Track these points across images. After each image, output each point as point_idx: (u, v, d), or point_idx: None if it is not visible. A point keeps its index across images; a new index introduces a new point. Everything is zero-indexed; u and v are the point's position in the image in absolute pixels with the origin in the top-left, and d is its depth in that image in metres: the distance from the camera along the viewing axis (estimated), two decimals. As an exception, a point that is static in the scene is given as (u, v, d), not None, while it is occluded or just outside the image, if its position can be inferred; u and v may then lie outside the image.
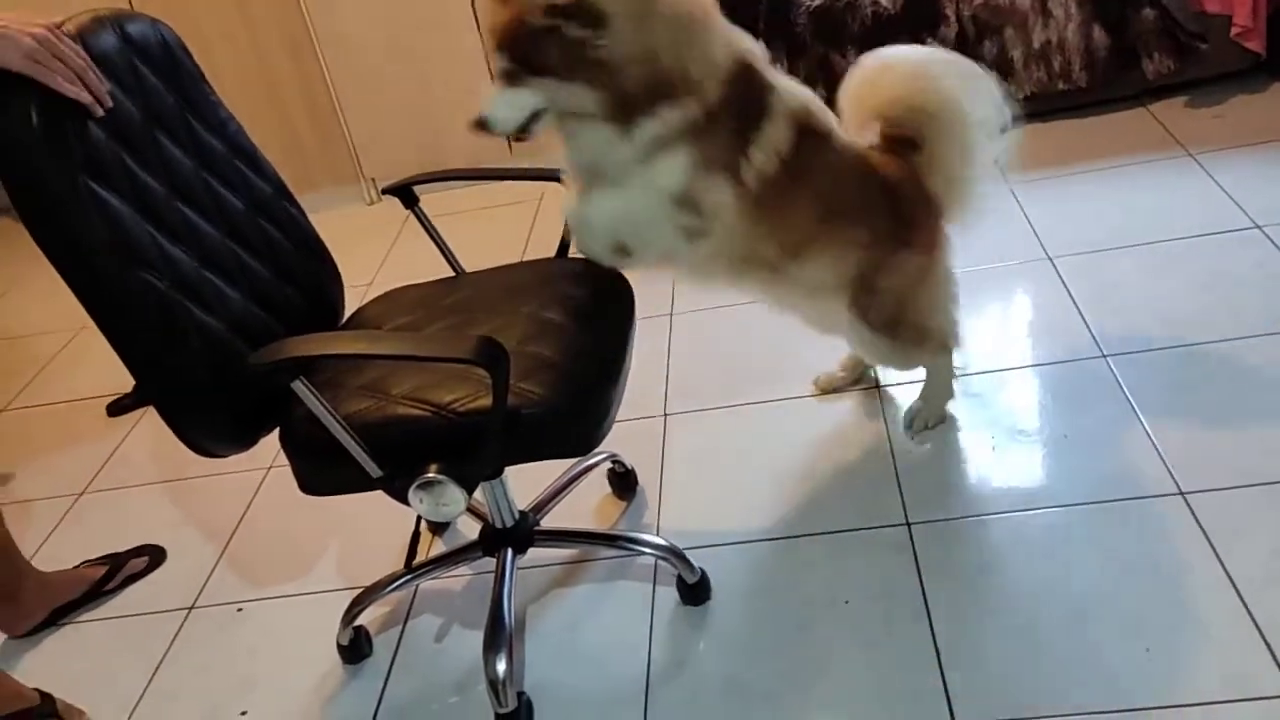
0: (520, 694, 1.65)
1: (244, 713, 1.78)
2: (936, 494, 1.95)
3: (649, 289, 2.75)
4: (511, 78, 1.48)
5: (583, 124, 1.51)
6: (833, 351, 2.30)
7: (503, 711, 1.60)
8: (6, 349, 3.09)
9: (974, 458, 2.02)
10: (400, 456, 1.38)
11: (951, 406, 2.14)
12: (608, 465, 2.07)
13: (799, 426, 2.20)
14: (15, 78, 1.21)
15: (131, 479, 2.42)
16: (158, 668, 1.91)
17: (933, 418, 2.10)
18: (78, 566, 2.13)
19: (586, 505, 2.08)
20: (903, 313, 1.90)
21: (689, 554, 1.79)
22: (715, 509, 2.02)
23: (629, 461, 2.09)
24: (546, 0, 1.39)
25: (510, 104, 1.49)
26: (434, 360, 1.43)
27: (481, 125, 1.50)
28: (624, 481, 2.09)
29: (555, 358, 1.47)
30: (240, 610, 2.02)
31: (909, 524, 1.88)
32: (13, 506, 2.44)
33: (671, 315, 2.68)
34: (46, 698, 1.79)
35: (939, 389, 2.11)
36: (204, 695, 1.84)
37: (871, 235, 1.81)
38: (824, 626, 1.72)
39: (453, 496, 1.36)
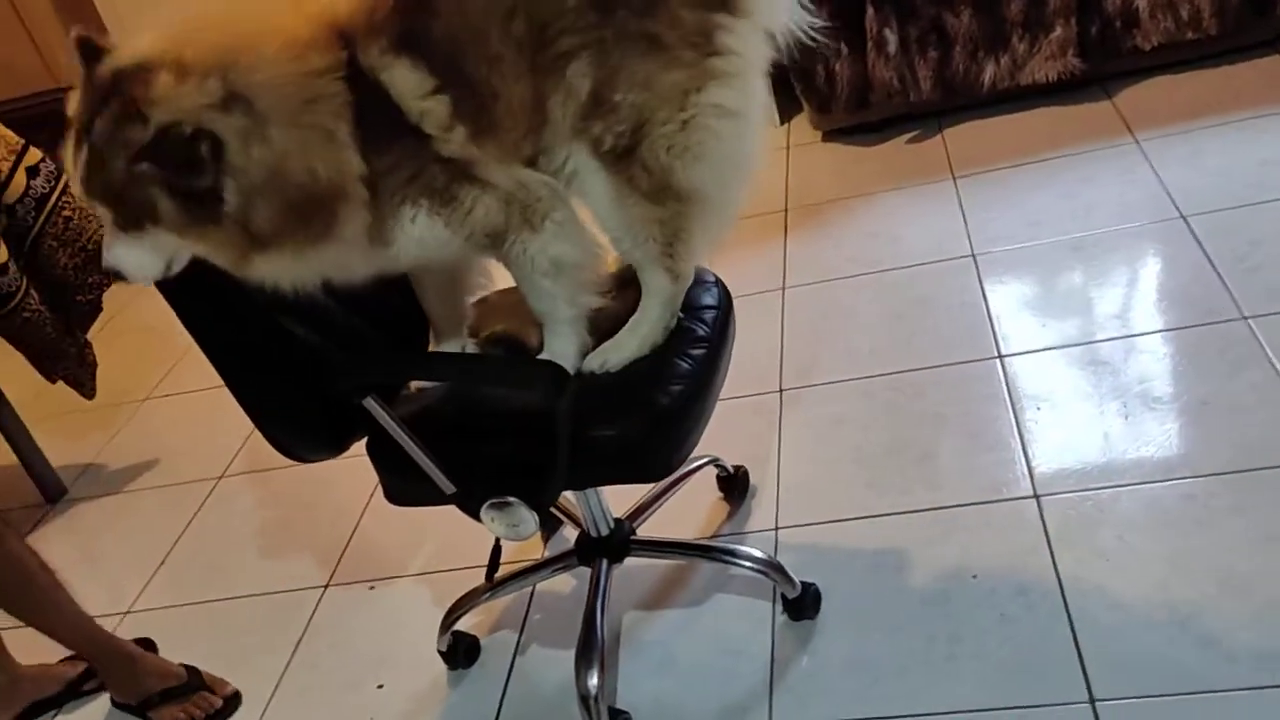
0: (617, 712, 1.63)
1: (380, 686, 1.85)
2: (1066, 465, 1.88)
3: (757, 264, 2.74)
4: (123, 226, 1.21)
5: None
6: (955, 322, 2.24)
7: None
8: (146, 339, 3.25)
9: (1105, 427, 1.94)
10: (472, 475, 1.40)
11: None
12: (711, 469, 2.03)
13: (919, 399, 2.15)
14: None
15: (266, 463, 2.54)
16: (299, 643, 2.00)
17: (616, 355, 1.47)
18: (59, 663, 2.02)
19: (694, 506, 2.03)
20: (638, 142, 1.34)
21: (805, 531, 1.77)
22: (835, 486, 1.99)
23: (735, 460, 2.05)
24: (132, 143, 1.14)
25: (136, 256, 1.23)
26: (498, 384, 1.42)
27: (116, 275, 1.25)
28: (731, 484, 2.03)
29: (635, 382, 1.44)
30: (372, 589, 2.09)
31: (1037, 496, 1.83)
32: (162, 490, 2.59)
33: (784, 289, 2.64)
34: (193, 671, 1.90)
35: (641, 323, 1.49)
36: (342, 669, 1.91)
37: (584, 32, 1.29)
38: (953, 601, 1.68)
39: (523, 518, 1.37)
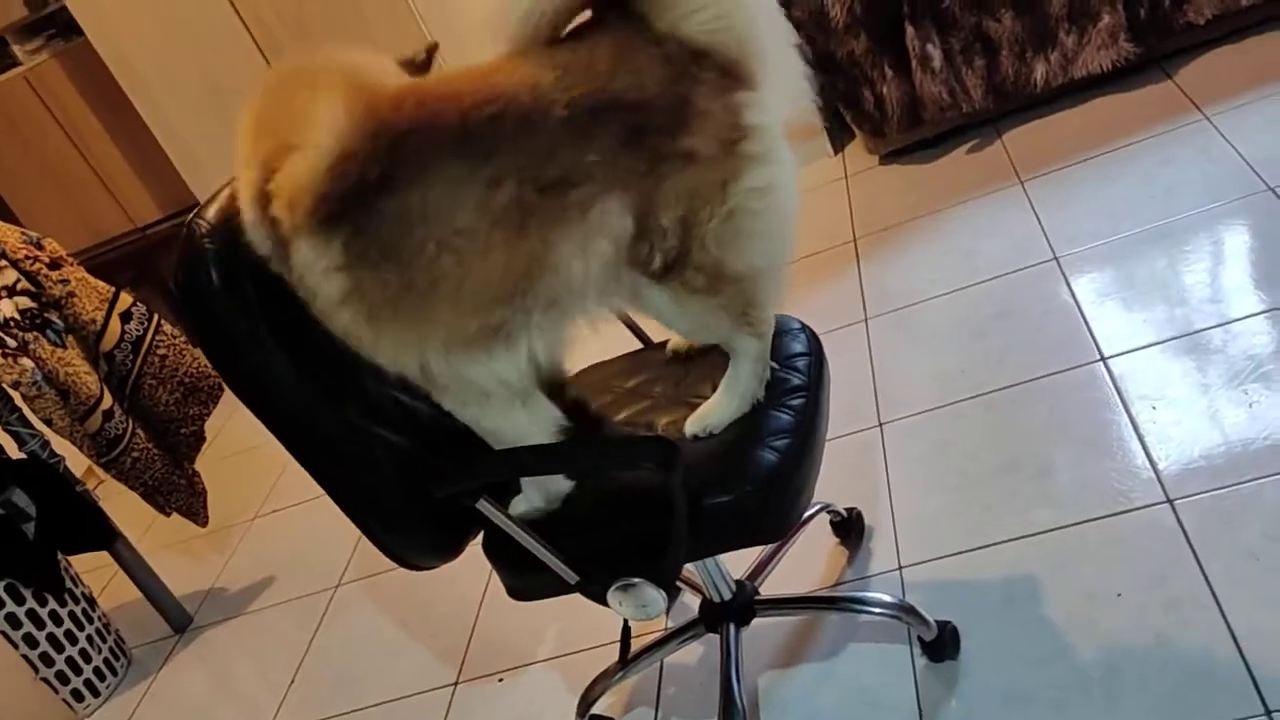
0: None
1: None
2: (1195, 464, 1.80)
3: (835, 299, 2.71)
4: None
5: None
6: (1048, 330, 2.18)
7: None
8: (248, 459, 3.33)
9: (1229, 418, 1.86)
10: (593, 561, 1.39)
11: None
12: (823, 517, 1.99)
13: (1023, 414, 2.09)
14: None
15: (378, 566, 2.56)
16: (435, 748, 2.00)
17: (716, 417, 1.46)
18: None
19: (812, 556, 2.00)
20: (688, 248, 1.32)
21: (930, 567, 1.71)
22: (952, 516, 1.94)
23: (846, 503, 2.01)
24: None
25: None
26: (607, 468, 1.41)
27: None
28: (847, 528, 1.99)
29: (741, 444, 1.42)
30: (501, 680, 2.08)
31: (1170, 501, 1.75)
32: (283, 606, 2.62)
33: (866, 320, 2.61)
34: None
35: (737, 381, 1.47)
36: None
37: (614, 173, 1.27)
38: (1099, 625, 1.62)
39: (650, 597, 1.35)
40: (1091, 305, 2.28)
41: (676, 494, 1.28)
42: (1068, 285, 2.37)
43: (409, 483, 1.40)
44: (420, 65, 1.43)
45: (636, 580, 1.35)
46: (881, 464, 2.13)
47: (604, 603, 1.40)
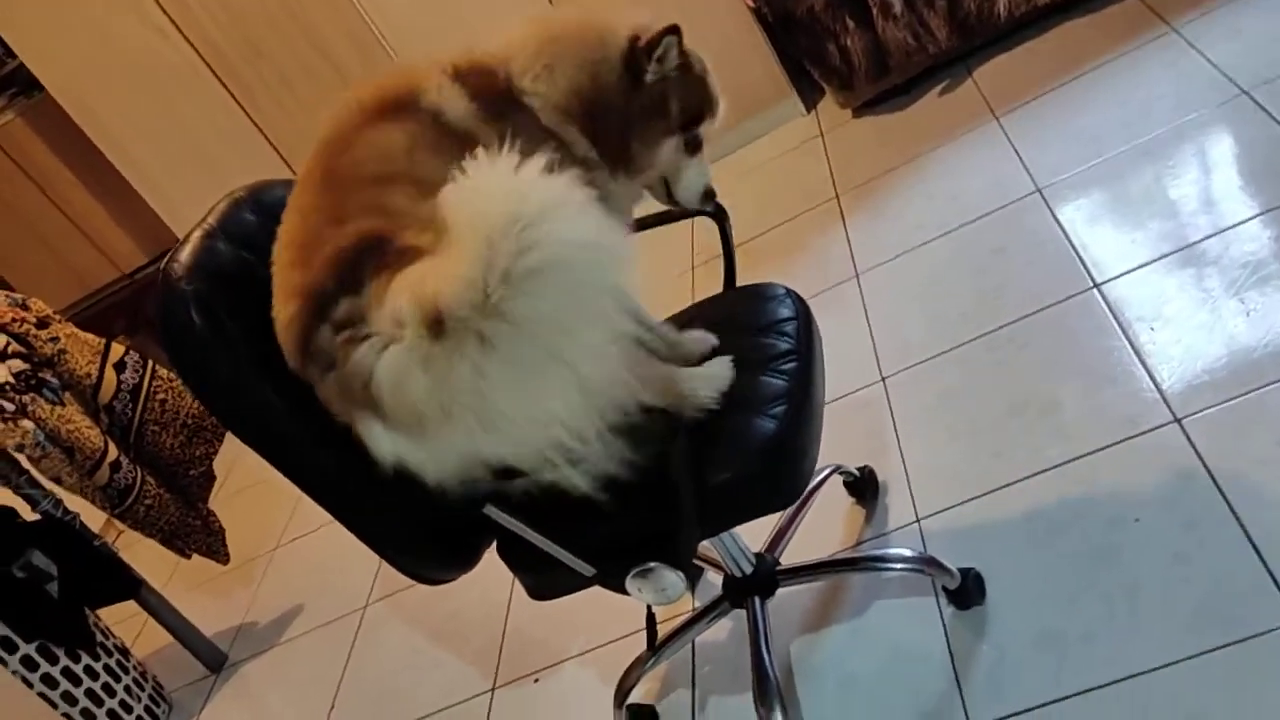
0: None
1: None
2: (1199, 379, 1.79)
3: (824, 259, 2.69)
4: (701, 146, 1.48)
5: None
6: (1040, 263, 2.16)
7: None
8: (261, 492, 3.33)
9: (1229, 329, 1.85)
10: (607, 552, 1.38)
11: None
12: (836, 478, 1.99)
13: (1024, 351, 2.08)
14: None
15: (403, 582, 2.56)
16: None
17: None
18: None
19: (829, 519, 1.99)
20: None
21: (947, 516, 1.71)
22: (965, 462, 1.93)
23: (857, 462, 2.00)
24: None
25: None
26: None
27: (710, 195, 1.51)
28: (861, 487, 1.99)
29: (737, 415, 1.40)
30: (537, 681, 2.09)
31: (1178, 420, 1.75)
32: (314, 633, 2.63)
33: (857, 276, 2.59)
34: None
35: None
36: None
37: None
38: (1121, 552, 1.61)
39: (669, 581, 1.35)
40: (1080, 233, 2.26)
41: (679, 471, 1.27)
42: (1054, 216, 2.35)
43: (412, 498, 1.40)
44: None
45: (652, 565, 1.35)
46: (888, 419, 2.13)
47: (624, 592, 1.40)
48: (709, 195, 1.50)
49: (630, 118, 1.40)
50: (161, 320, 1.34)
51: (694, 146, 1.46)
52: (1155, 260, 2.07)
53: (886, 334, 2.35)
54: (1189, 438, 1.71)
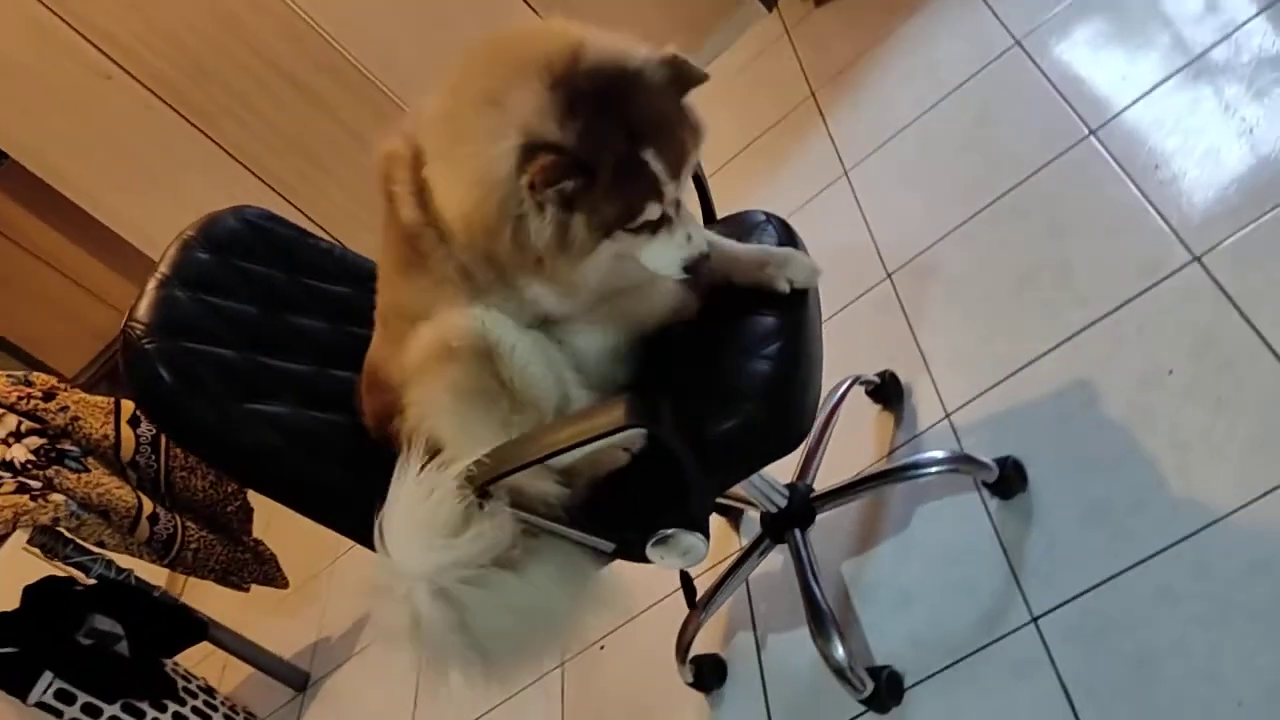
0: (878, 670, 1.56)
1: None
2: (1213, 211, 1.70)
3: (809, 162, 2.61)
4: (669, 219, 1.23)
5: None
6: (1030, 119, 2.07)
7: (863, 696, 1.53)
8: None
9: (1235, 152, 1.75)
10: (623, 526, 1.34)
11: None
12: (857, 389, 1.92)
13: (1029, 218, 1.99)
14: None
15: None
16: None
17: None
18: None
19: (858, 432, 1.93)
20: None
21: (976, 406, 1.65)
22: (985, 347, 1.87)
23: (877, 368, 1.94)
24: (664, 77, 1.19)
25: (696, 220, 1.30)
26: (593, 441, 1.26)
27: (705, 259, 1.26)
28: (884, 393, 1.92)
29: (729, 361, 1.36)
30: (603, 648, 2.08)
31: (1198, 258, 1.66)
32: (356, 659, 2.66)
33: (846, 173, 2.50)
34: None
35: None
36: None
37: None
38: (1159, 409, 1.55)
39: (689, 543, 1.30)
40: (1067, 81, 2.15)
41: (670, 440, 1.22)
42: (1037, 67, 2.24)
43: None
44: None
45: (670, 531, 1.31)
46: (901, 316, 2.06)
47: (647, 561, 1.37)
48: (691, 269, 1.26)
49: (534, 243, 1.20)
50: (131, 383, 1.31)
51: (651, 228, 1.23)
52: (1145, 95, 1.96)
53: (885, 228, 2.27)
54: (1211, 274, 1.62)
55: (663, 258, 1.24)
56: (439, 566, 1.22)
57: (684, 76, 1.20)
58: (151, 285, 1.39)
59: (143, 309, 1.36)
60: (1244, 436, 1.44)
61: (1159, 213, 1.77)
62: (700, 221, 1.30)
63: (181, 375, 1.31)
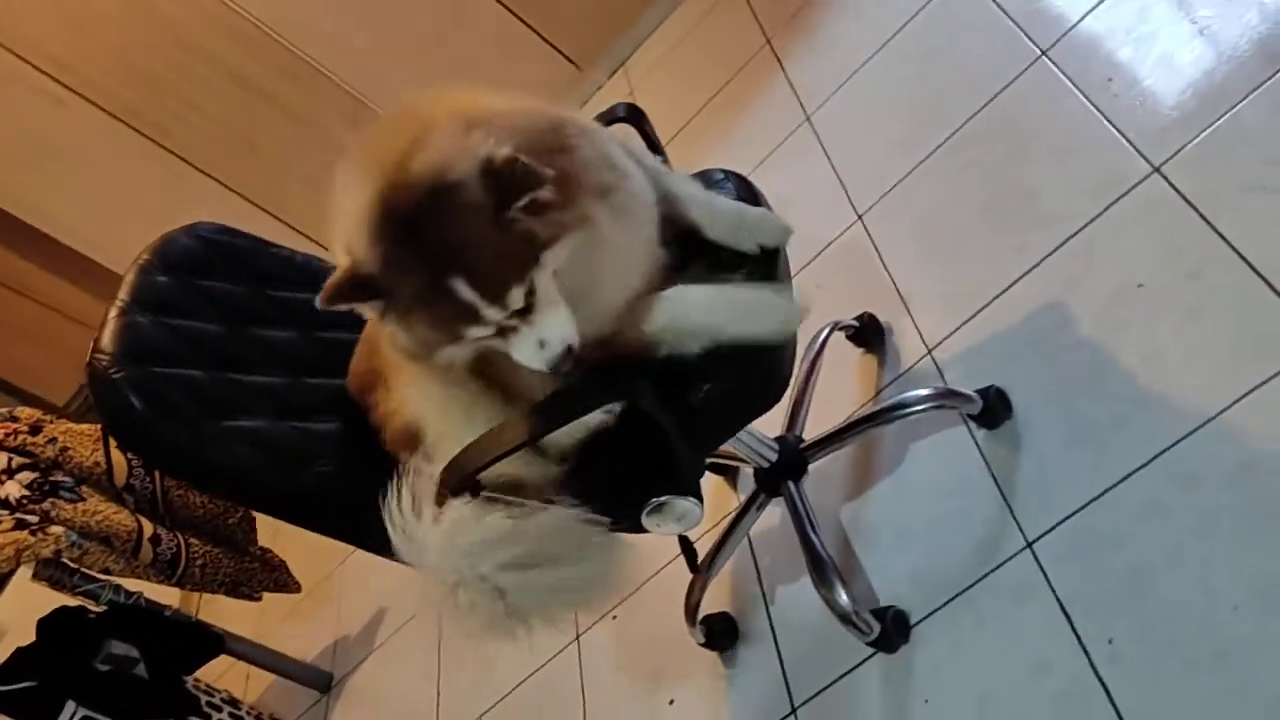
0: (883, 611, 1.57)
1: (671, 701, 1.85)
2: (1168, 120, 1.69)
3: (770, 111, 2.59)
4: (528, 298, 1.12)
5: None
6: (981, 48, 2.05)
7: (871, 638, 1.55)
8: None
9: (1187, 56, 1.74)
10: (615, 500, 1.34)
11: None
12: (838, 335, 1.92)
13: (989, 145, 1.98)
14: None
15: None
16: (584, 701, 2.03)
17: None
18: None
19: (842, 377, 1.93)
20: None
21: (957, 338, 1.66)
22: (959, 278, 1.86)
23: (855, 311, 1.93)
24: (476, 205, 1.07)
25: (559, 313, 1.14)
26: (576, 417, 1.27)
27: (569, 355, 1.14)
28: (865, 335, 1.92)
29: None
30: (615, 618, 2.09)
31: (1157, 169, 1.66)
32: (405, 628, 2.67)
33: (809, 118, 2.48)
34: None
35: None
36: (631, 703, 1.93)
37: None
38: (1132, 323, 1.55)
39: (683, 509, 1.30)
40: (1015, 2, 2.12)
41: (655, 411, 1.22)
42: (984, -8, 2.22)
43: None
44: None
45: (663, 499, 1.31)
46: (875, 256, 2.05)
47: (643, 530, 1.37)
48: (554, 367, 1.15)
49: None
50: (102, 413, 1.31)
51: (495, 336, 1.15)
52: (1098, 5, 1.95)
53: (851, 170, 2.26)
54: (1172, 184, 1.62)
55: (523, 358, 1.15)
56: (471, 566, 1.24)
57: (510, 186, 1.07)
58: (112, 314, 1.39)
59: (106, 339, 1.35)
60: (1218, 342, 1.44)
61: (1115, 127, 1.76)
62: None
63: (151, 401, 1.30)
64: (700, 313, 1.27)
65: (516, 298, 1.10)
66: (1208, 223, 1.53)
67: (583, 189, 1.15)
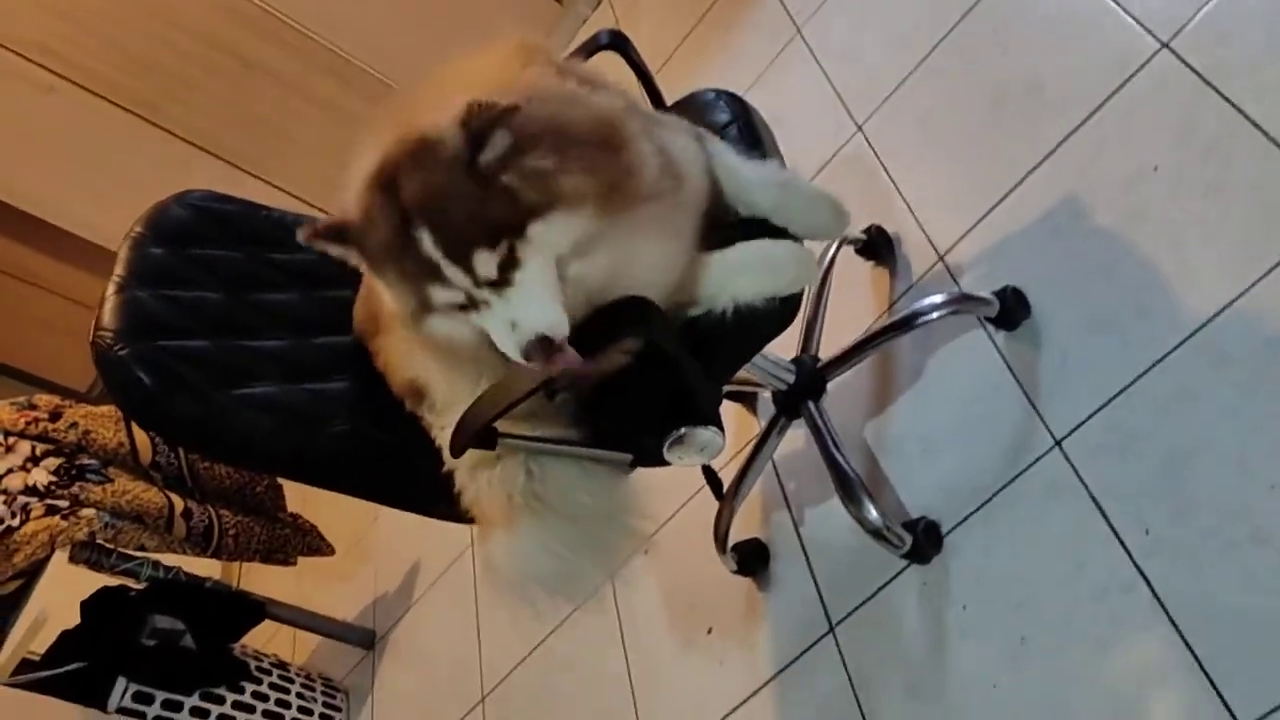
0: (914, 523, 1.56)
1: (710, 630, 1.86)
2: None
3: (758, 32, 2.52)
4: (504, 270, 1.05)
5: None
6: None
7: (903, 551, 1.54)
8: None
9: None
10: (635, 435, 1.32)
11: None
12: (846, 250, 1.87)
13: (988, 43, 1.92)
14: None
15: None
16: (623, 635, 2.04)
17: None
18: None
19: (855, 291, 1.90)
20: None
21: (968, 241, 1.62)
22: (967, 180, 1.82)
23: (862, 224, 1.89)
24: (455, 157, 1.02)
25: (540, 293, 1.07)
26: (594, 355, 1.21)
27: (547, 345, 1.06)
28: (874, 247, 1.88)
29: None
30: (647, 552, 2.09)
31: (1166, 45, 1.60)
32: (442, 579, 2.70)
33: (799, 31, 2.42)
34: None
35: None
36: (666, 638, 1.94)
37: None
38: (1149, 207, 1.51)
39: (705, 439, 1.28)
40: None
41: (667, 343, 1.20)
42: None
43: (428, 453, 1.37)
44: None
45: (682, 430, 1.29)
46: (878, 166, 2.00)
47: (666, 463, 1.36)
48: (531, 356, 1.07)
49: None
50: (111, 392, 1.30)
51: (466, 308, 1.08)
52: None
53: (847, 79, 2.20)
54: (1182, 59, 1.56)
55: (495, 337, 1.08)
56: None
57: (481, 129, 1.01)
58: (111, 291, 1.37)
59: (107, 316, 1.33)
60: (1239, 218, 1.39)
61: (1119, 4, 1.70)
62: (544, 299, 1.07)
63: (159, 375, 1.29)
64: (744, 279, 1.24)
65: (485, 263, 1.03)
66: (1222, 95, 1.48)
67: (610, 174, 1.07)
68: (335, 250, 1.12)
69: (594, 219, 1.06)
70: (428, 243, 1.03)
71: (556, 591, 1.29)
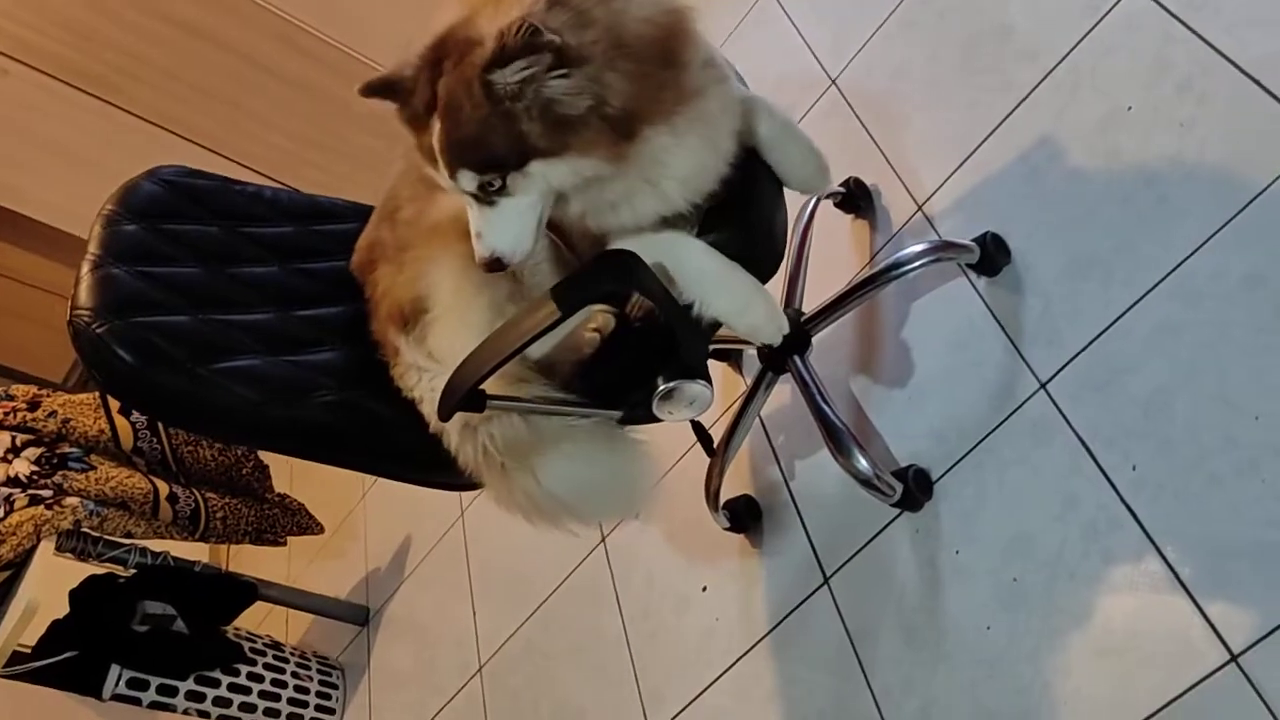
0: (904, 470, 1.57)
1: (704, 588, 1.87)
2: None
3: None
4: (492, 190, 1.11)
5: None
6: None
7: (894, 500, 1.55)
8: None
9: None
10: (624, 392, 1.32)
11: None
12: (826, 203, 1.87)
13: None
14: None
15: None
16: (618, 600, 2.05)
17: None
18: None
19: (835, 245, 1.90)
20: None
21: (947, 190, 1.63)
22: (942, 128, 1.82)
23: (840, 177, 1.89)
24: (477, 66, 1.05)
25: (509, 226, 1.13)
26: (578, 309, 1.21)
27: (496, 264, 1.15)
28: (854, 200, 1.88)
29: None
30: (638, 516, 2.10)
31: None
32: (434, 553, 2.70)
33: (771, -13, 2.41)
34: None
35: None
36: (669, 594, 1.95)
37: None
38: (1126, 145, 1.51)
39: (694, 392, 1.28)
40: None
41: (653, 296, 1.20)
42: None
43: (412, 424, 1.36)
44: None
45: (672, 384, 1.29)
46: (853, 118, 2.00)
47: (656, 419, 1.35)
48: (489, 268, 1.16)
49: None
50: (92, 370, 1.28)
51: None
52: None
53: (819, 34, 2.19)
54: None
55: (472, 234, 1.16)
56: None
57: (507, 50, 1.03)
58: (85, 269, 1.35)
59: (83, 295, 1.32)
60: (1215, 153, 1.40)
61: (1091, -53, 1.69)
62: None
63: (140, 351, 1.27)
64: (719, 302, 1.26)
65: (465, 181, 1.10)
66: (1191, 30, 1.48)
67: (658, 81, 1.11)
68: (381, 102, 1.15)
69: (604, 163, 1.11)
70: (437, 135, 1.09)
71: (609, 496, 1.36)
